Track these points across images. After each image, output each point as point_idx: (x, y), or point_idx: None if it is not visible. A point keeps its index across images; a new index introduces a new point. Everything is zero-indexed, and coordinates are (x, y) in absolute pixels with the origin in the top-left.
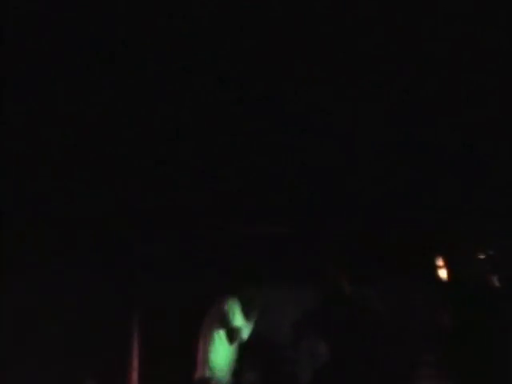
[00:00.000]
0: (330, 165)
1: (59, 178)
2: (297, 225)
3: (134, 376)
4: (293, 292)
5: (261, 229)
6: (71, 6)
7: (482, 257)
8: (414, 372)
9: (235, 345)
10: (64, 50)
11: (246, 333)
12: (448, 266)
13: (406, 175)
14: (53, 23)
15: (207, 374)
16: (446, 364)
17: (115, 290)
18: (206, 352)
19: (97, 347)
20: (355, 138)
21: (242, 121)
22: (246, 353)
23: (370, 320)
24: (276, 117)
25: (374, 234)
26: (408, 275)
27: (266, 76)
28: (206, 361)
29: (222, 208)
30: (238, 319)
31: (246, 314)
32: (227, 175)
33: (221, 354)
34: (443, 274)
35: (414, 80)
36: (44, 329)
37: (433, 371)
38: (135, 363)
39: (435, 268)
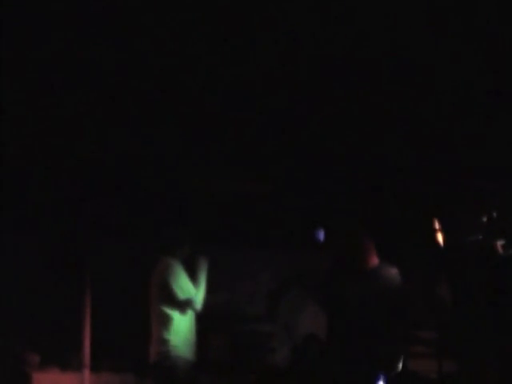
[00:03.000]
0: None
1: None
2: (282, 184)
3: (87, 343)
4: (268, 259)
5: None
6: None
7: (483, 220)
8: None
9: (190, 313)
10: None
11: (198, 300)
12: (447, 230)
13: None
14: None
15: (164, 349)
16: (445, 340)
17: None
18: (159, 323)
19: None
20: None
21: None
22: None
23: (385, 294)
24: None
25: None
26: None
27: None
28: (160, 334)
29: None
30: (186, 284)
31: (194, 279)
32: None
33: (176, 325)
34: (442, 239)
35: None
36: None
37: (429, 348)
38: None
39: (433, 233)
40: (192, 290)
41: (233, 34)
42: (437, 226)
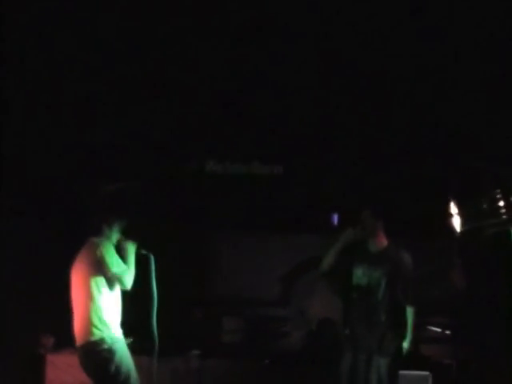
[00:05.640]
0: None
1: None
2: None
3: None
4: (283, 243)
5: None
6: None
7: (500, 205)
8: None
9: (118, 295)
10: None
11: (129, 279)
12: (463, 215)
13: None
14: None
15: (94, 334)
16: (460, 325)
17: None
18: (88, 306)
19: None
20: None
21: None
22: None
23: (399, 277)
24: None
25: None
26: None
27: None
28: (89, 318)
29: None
30: (117, 259)
31: (123, 258)
32: None
33: (105, 307)
34: (458, 224)
35: None
36: None
37: (439, 333)
38: None
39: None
40: (123, 265)
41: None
42: (453, 210)
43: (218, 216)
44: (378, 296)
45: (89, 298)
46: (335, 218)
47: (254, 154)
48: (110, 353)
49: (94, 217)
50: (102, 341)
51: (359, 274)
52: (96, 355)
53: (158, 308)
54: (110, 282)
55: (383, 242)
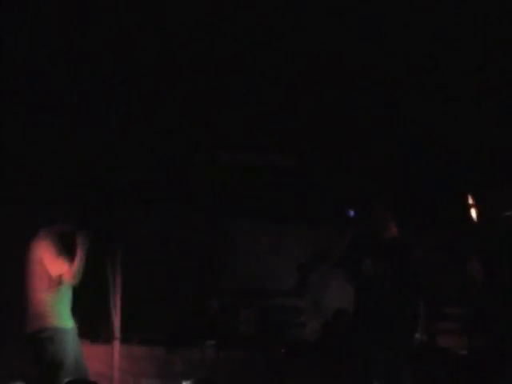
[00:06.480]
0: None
1: None
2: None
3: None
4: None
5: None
6: None
7: None
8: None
9: (66, 287)
10: None
11: (72, 274)
12: (480, 205)
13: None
14: None
15: (42, 322)
16: (476, 316)
17: None
18: (37, 297)
19: None
20: None
21: None
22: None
23: (411, 268)
24: None
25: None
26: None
27: None
28: (38, 307)
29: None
30: (56, 259)
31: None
32: None
33: (53, 297)
34: (475, 214)
35: None
36: None
37: (455, 325)
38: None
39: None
40: (62, 265)
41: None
42: (471, 201)
43: (233, 206)
44: (389, 287)
45: (38, 291)
46: (350, 209)
47: (269, 145)
48: (52, 342)
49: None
50: (45, 330)
51: (369, 265)
52: (38, 343)
53: (173, 299)
54: (52, 281)
55: (393, 232)
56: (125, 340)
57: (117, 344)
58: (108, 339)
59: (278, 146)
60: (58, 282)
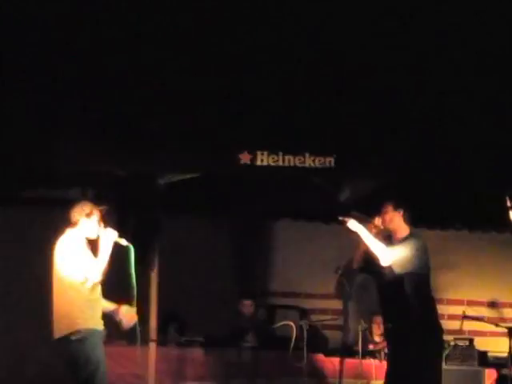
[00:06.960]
0: None
1: None
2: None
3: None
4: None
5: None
6: None
7: None
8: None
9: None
10: None
11: (95, 272)
12: None
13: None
14: None
15: (69, 322)
16: None
17: None
18: (64, 297)
19: None
20: None
21: None
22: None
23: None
24: None
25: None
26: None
27: None
28: (64, 308)
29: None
30: (79, 258)
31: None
32: None
33: (80, 297)
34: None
35: None
36: None
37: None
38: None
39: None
40: (86, 263)
41: None
42: (509, 203)
43: (271, 209)
44: (405, 288)
45: (64, 290)
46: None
47: (305, 147)
48: (82, 344)
49: None
50: (75, 332)
51: (388, 268)
52: (68, 346)
53: (212, 301)
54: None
55: (405, 233)
56: (161, 342)
57: (153, 346)
58: (145, 341)
59: (313, 148)
60: (83, 282)
